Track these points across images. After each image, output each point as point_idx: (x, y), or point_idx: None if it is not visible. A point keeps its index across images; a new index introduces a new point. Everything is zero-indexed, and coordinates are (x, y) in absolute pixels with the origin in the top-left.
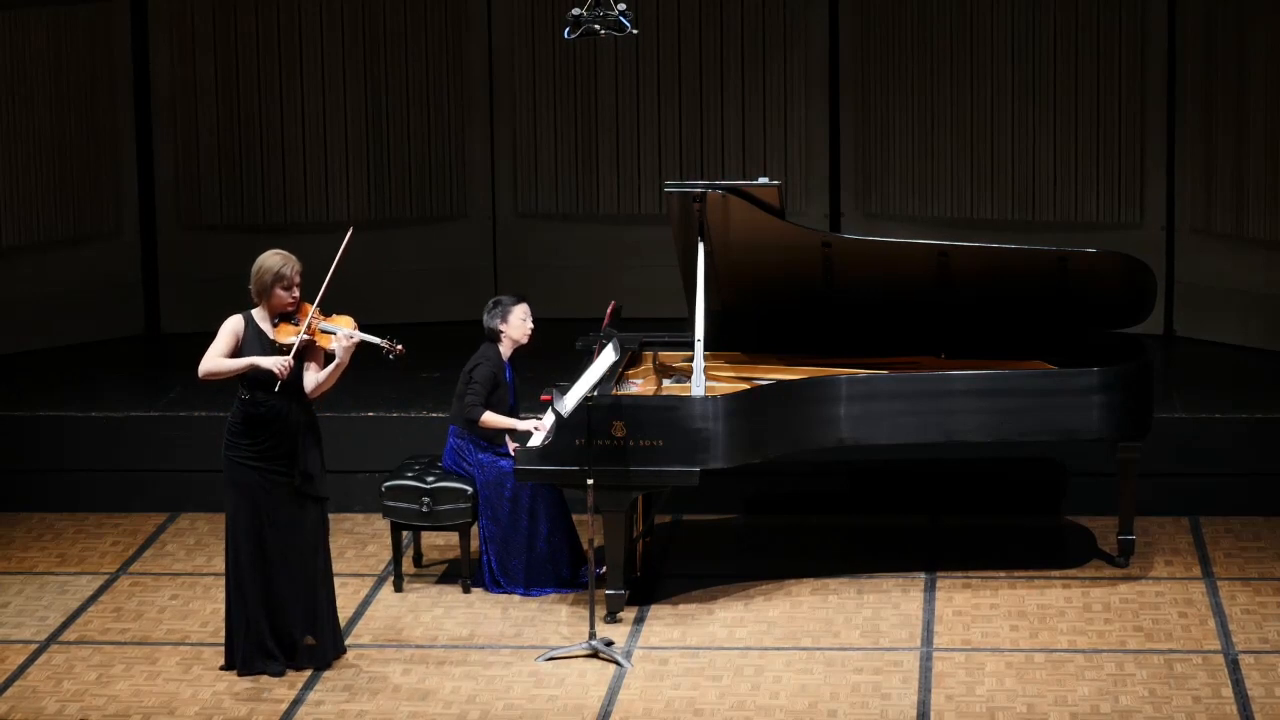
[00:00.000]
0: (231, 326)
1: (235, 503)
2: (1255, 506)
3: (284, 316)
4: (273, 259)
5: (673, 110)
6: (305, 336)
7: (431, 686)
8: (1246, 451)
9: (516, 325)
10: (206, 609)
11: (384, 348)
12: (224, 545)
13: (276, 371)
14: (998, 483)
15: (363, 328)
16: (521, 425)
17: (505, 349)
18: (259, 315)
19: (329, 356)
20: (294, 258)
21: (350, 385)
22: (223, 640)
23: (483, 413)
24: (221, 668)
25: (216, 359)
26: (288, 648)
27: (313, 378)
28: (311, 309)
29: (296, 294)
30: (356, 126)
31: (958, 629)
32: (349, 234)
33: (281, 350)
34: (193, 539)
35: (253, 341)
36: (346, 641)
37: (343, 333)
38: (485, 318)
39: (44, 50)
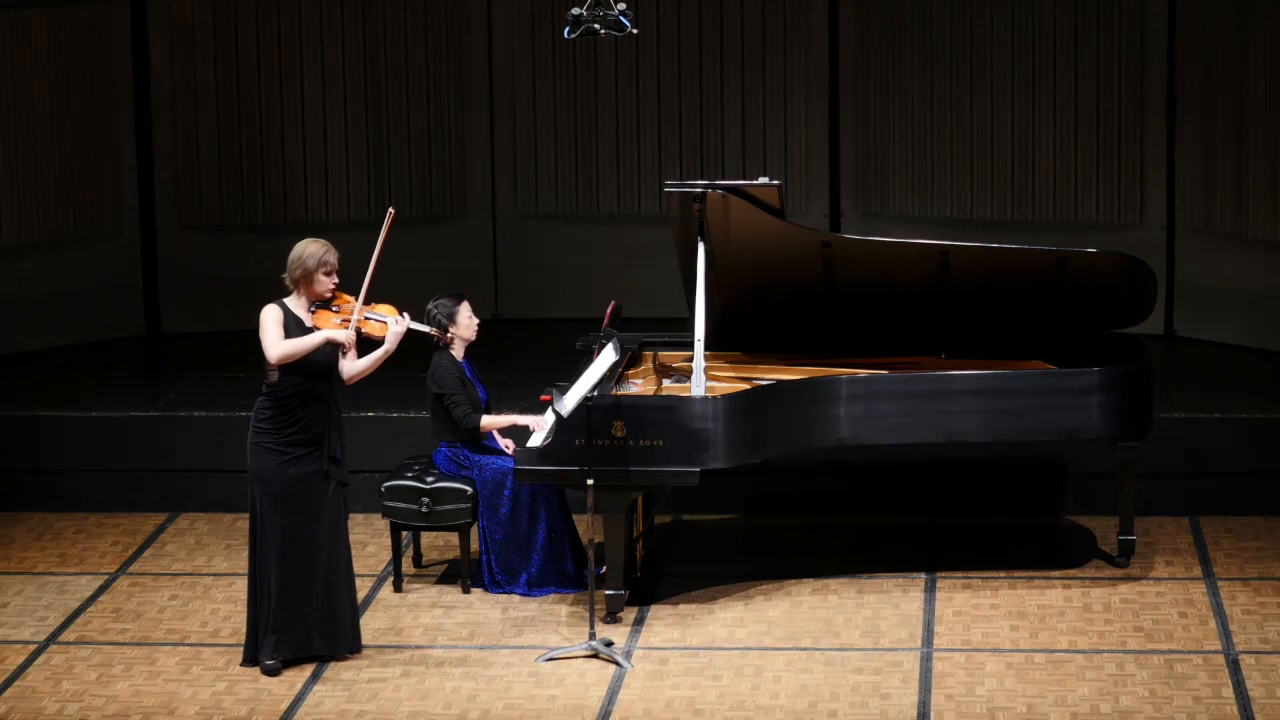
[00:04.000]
0: (274, 315)
1: (260, 492)
2: (1255, 506)
3: (322, 304)
4: (314, 245)
5: (673, 110)
6: (355, 324)
7: (431, 686)
8: (1246, 451)
9: (464, 325)
10: (206, 609)
11: (433, 335)
12: (230, 541)
13: (345, 342)
14: (998, 483)
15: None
16: (523, 420)
17: (457, 350)
18: (293, 304)
19: (366, 344)
20: (332, 245)
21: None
22: (224, 640)
23: (479, 419)
24: (242, 664)
25: (285, 343)
26: (317, 637)
27: (350, 365)
28: (356, 301)
29: (337, 280)
30: (356, 127)
31: (958, 629)
32: (389, 217)
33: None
34: (193, 539)
35: (293, 329)
36: (360, 641)
37: (393, 320)
38: (429, 325)
39: (44, 50)
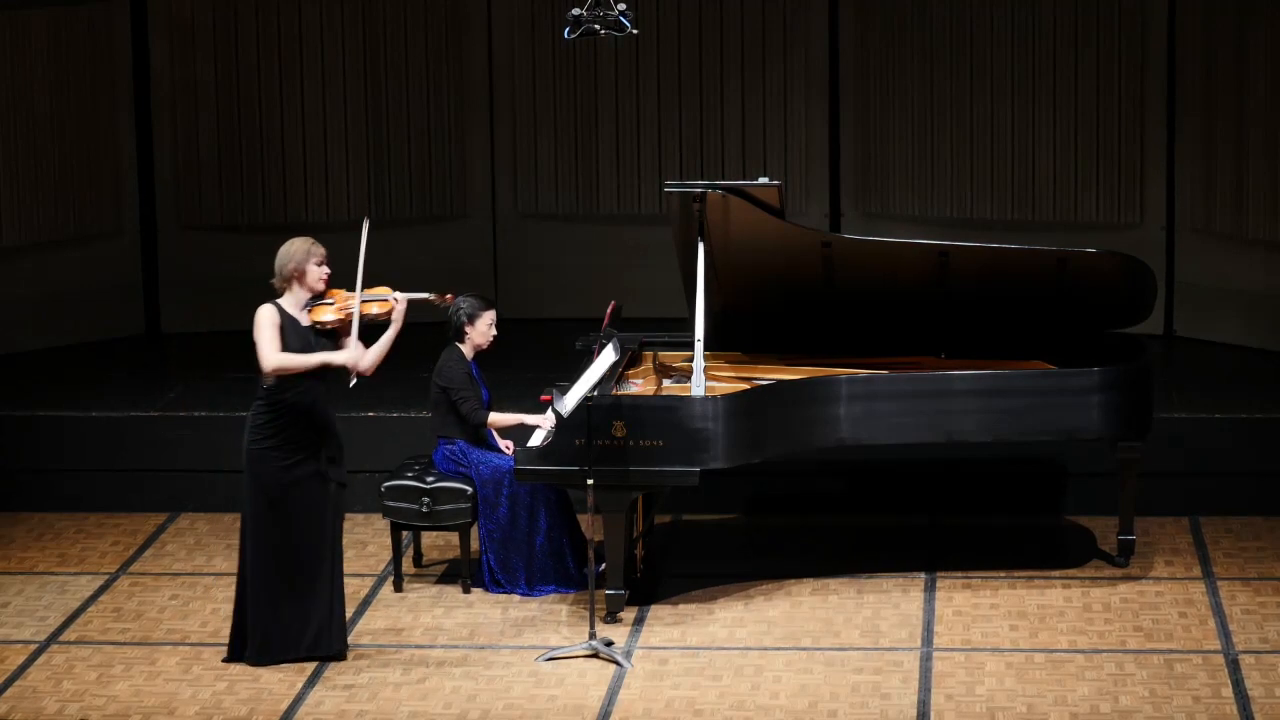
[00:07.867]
0: (270, 318)
1: (258, 495)
2: (1255, 506)
3: (316, 299)
4: (300, 240)
5: (673, 110)
6: (354, 310)
7: (431, 686)
8: (1246, 451)
9: (481, 331)
10: (206, 609)
11: (434, 300)
12: (230, 541)
13: (350, 365)
14: (998, 483)
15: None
16: (531, 420)
17: (467, 351)
18: (287, 304)
19: (372, 330)
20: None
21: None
22: (224, 640)
23: (486, 414)
24: (224, 659)
25: (282, 356)
26: (299, 640)
27: (366, 357)
28: (352, 291)
29: (329, 270)
30: (356, 126)
31: (958, 629)
32: (365, 227)
33: (321, 332)
34: (193, 539)
35: (290, 329)
36: (347, 640)
37: (392, 296)
38: (453, 316)
39: (44, 50)
